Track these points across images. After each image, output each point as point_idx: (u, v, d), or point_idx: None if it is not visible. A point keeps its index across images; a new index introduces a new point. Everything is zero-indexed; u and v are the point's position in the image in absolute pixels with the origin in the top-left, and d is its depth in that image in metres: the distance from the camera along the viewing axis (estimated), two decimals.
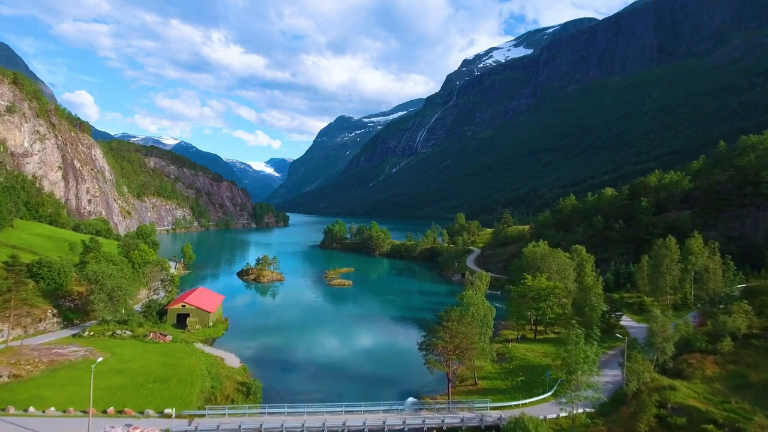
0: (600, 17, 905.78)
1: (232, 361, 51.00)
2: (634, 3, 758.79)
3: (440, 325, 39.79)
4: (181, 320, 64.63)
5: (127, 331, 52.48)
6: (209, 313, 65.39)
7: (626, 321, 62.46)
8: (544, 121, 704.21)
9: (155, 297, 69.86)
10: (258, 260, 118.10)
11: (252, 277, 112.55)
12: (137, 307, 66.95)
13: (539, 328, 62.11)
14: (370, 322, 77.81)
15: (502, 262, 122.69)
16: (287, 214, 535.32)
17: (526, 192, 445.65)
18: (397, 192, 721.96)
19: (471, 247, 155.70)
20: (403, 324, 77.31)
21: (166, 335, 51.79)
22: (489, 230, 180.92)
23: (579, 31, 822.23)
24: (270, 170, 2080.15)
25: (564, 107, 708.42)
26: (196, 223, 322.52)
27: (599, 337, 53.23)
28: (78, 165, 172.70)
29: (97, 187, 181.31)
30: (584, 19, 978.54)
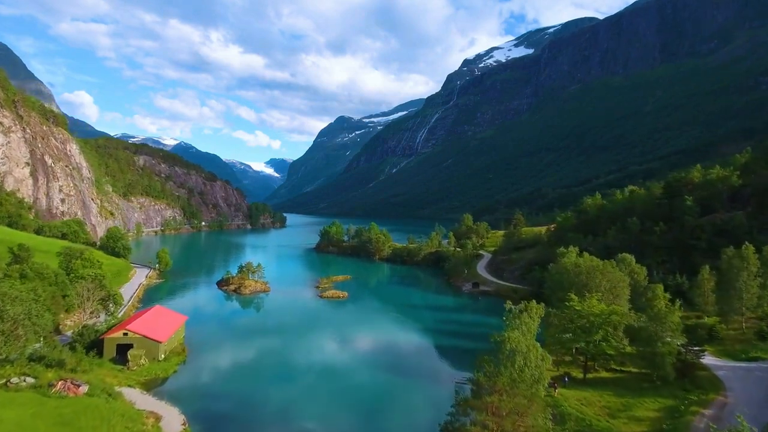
0: (601, 17, 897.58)
1: (173, 421, 36.30)
2: (636, 2, 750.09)
3: (479, 399, 25.00)
4: (124, 352, 49.93)
5: (29, 378, 37.93)
6: (160, 343, 50.60)
7: (706, 358, 47.47)
8: (545, 121, 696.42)
9: (95, 321, 55.23)
10: (240, 267, 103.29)
11: (232, 287, 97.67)
12: (65, 336, 52.31)
13: (587, 362, 47.37)
14: (367, 350, 62.86)
15: (519, 270, 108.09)
16: (286, 214, 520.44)
17: (529, 192, 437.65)
18: (398, 192, 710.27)
19: (480, 252, 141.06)
20: (408, 354, 62.29)
21: (79, 385, 37.11)
22: (499, 232, 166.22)
23: (581, 31, 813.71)
24: (270, 170, 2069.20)
25: (565, 107, 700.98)
26: (187, 224, 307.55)
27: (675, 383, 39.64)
28: (50, 161, 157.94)
29: (72, 185, 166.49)
30: (585, 18, 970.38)
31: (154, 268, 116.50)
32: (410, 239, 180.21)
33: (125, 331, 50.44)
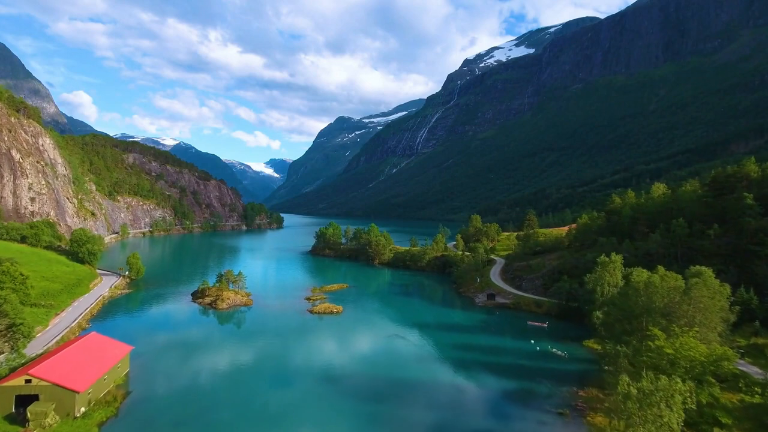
0: (601, 16, 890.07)
1: None
2: (638, 0, 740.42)
3: None
4: (29, 405, 35.89)
5: None
6: (77, 392, 36.58)
7: None
8: (547, 121, 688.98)
9: None
10: (220, 276, 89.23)
11: (208, 300, 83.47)
12: None
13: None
14: (362, 392, 48.50)
15: (540, 279, 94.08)
16: (286, 215, 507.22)
17: (532, 192, 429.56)
18: (398, 192, 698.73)
19: (492, 256, 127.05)
20: (415, 400, 47.98)
21: None
22: (509, 234, 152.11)
23: (583, 30, 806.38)
24: (270, 171, 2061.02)
25: (567, 106, 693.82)
26: (178, 225, 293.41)
27: None
28: (17, 156, 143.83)
29: (43, 183, 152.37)
30: (587, 18, 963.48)
31: (124, 276, 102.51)
32: (413, 241, 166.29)
33: (28, 377, 36.38)
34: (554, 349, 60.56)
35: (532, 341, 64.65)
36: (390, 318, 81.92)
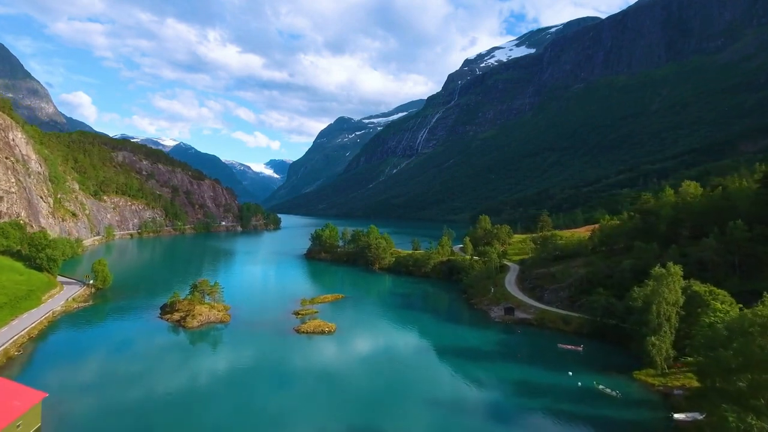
0: (602, 16, 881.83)
1: None
2: (640, 0, 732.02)
3: None
4: None
5: None
6: None
7: None
8: (548, 121, 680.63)
9: None
10: (193, 287, 76.51)
11: (177, 316, 70.66)
12: None
13: None
14: None
15: (566, 290, 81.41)
16: (285, 215, 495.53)
17: (535, 192, 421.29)
18: (398, 193, 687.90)
19: (503, 261, 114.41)
20: None
21: None
22: (524, 237, 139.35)
23: (584, 29, 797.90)
24: (269, 171, 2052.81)
25: (569, 106, 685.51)
26: (168, 226, 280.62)
27: None
28: None
29: (13, 180, 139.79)
30: (588, 18, 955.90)
31: (88, 285, 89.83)
32: (415, 244, 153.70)
33: None
34: (601, 386, 48.01)
35: (570, 373, 52.09)
36: (391, 339, 69.24)
